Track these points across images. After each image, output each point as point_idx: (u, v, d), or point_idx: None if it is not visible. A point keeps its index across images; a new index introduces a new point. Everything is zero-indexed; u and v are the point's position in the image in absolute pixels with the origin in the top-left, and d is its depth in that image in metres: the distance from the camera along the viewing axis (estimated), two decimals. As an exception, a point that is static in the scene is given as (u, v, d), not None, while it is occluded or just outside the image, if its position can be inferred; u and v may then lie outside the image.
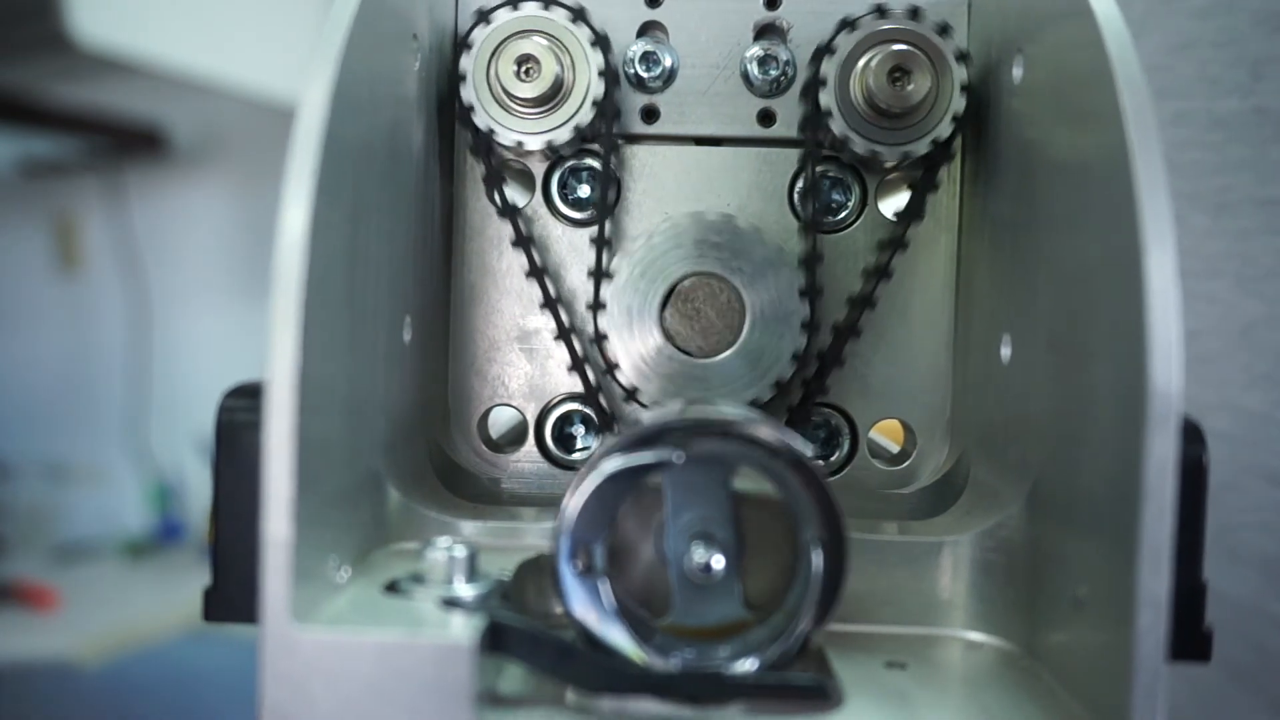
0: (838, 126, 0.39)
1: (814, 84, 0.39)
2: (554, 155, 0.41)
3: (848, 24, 0.39)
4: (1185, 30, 0.60)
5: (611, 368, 0.40)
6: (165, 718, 1.42)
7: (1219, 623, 0.32)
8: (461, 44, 0.39)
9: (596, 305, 0.41)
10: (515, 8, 0.39)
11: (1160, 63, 0.60)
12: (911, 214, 0.41)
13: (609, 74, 0.40)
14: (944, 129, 0.39)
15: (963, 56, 0.39)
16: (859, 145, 0.39)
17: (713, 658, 0.30)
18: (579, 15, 0.39)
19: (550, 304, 0.42)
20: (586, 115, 0.40)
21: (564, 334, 0.42)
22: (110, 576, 1.90)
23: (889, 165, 0.40)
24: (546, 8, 0.39)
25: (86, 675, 1.49)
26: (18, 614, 1.66)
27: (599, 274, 0.41)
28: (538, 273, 0.41)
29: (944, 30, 0.39)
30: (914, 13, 0.39)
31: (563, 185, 0.43)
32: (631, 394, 0.41)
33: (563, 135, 0.40)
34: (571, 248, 0.43)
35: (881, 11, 0.39)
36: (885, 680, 0.31)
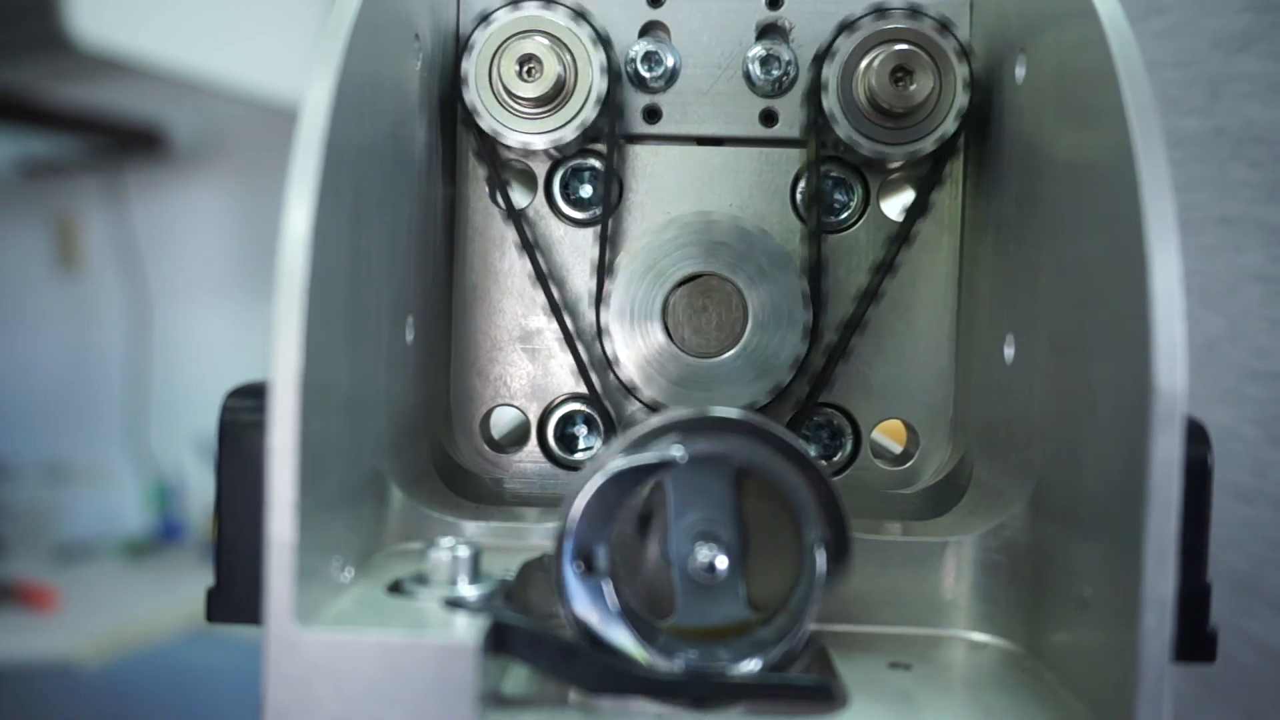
0: (843, 131, 0.39)
1: (816, 90, 0.39)
2: (560, 155, 0.41)
3: (846, 26, 0.39)
4: (1145, 51, 0.60)
5: (611, 363, 0.40)
6: (165, 718, 1.42)
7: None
8: (463, 48, 0.39)
9: (599, 299, 0.41)
10: (517, 7, 0.39)
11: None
12: (918, 209, 0.41)
13: (603, 40, 0.39)
14: (949, 125, 0.39)
15: (964, 53, 0.38)
16: (866, 148, 0.39)
17: (716, 658, 0.30)
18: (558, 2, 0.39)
19: (555, 310, 0.41)
20: (591, 112, 0.40)
21: (569, 340, 0.42)
22: (110, 576, 1.90)
23: (895, 165, 0.40)
24: (546, 6, 0.39)
25: (86, 675, 1.48)
26: (18, 614, 1.66)
27: (601, 268, 0.41)
28: (543, 279, 0.41)
29: (944, 28, 0.38)
30: (912, 11, 0.39)
31: (565, 185, 0.43)
32: (630, 390, 0.41)
33: (569, 133, 0.40)
34: (574, 248, 0.43)
35: (880, 11, 0.39)
36: (889, 681, 0.31)
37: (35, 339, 2.19)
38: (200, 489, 2.02)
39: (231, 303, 2.07)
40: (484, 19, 0.39)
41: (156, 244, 2.10)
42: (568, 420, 0.43)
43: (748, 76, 0.42)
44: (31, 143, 2.00)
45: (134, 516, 2.06)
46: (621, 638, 0.29)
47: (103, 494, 2.10)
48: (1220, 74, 0.57)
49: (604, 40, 0.39)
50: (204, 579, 0.33)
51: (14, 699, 1.43)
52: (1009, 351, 0.37)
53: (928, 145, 0.39)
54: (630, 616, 0.30)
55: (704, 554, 0.30)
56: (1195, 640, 0.31)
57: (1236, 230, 0.57)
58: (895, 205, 0.43)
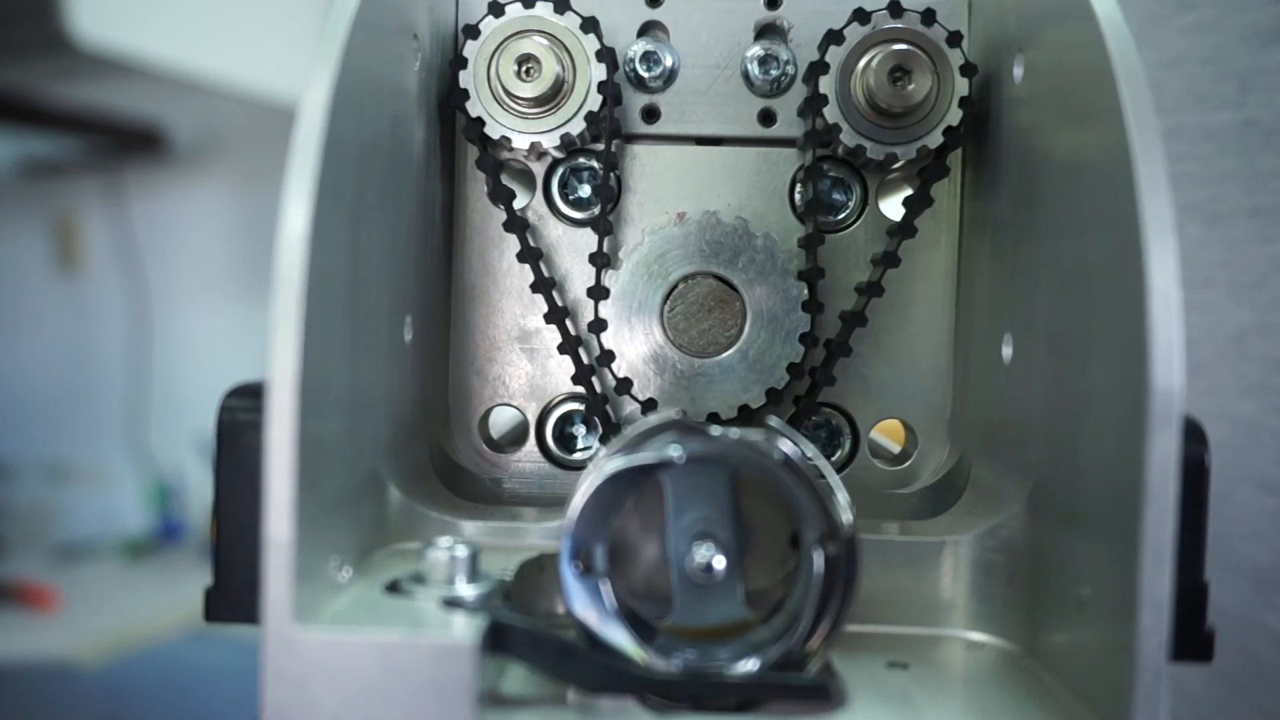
0: (849, 138, 0.39)
1: (813, 100, 0.39)
2: (564, 153, 0.41)
3: (834, 37, 0.39)
4: (1175, 46, 0.60)
5: (608, 358, 0.40)
6: (165, 718, 1.42)
7: (1210, 632, 0.32)
8: (458, 61, 0.39)
9: (598, 291, 0.41)
10: (505, 11, 0.39)
11: (1151, 78, 0.60)
12: (920, 202, 0.41)
13: (606, 55, 0.39)
14: (953, 115, 0.39)
15: (956, 40, 0.38)
16: (873, 151, 0.39)
17: (714, 658, 0.30)
18: (564, 5, 0.39)
19: (555, 313, 0.41)
20: (594, 100, 0.39)
21: (569, 342, 0.41)
22: (110, 576, 1.89)
23: (900, 164, 0.40)
24: (529, 6, 0.39)
25: (86, 675, 1.48)
26: (18, 614, 1.66)
27: (600, 260, 0.41)
28: (545, 285, 0.41)
29: (929, 19, 0.38)
30: (896, 10, 0.38)
31: (563, 185, 0.43)
32: (625, 386, 0.40)
33: (575, 126, 0.40)
34: (572, 248, 0.43)
35: (864, 15, 0.39)
36: (887, 680, 0.31)
37: (35, 339, 2.19)
38: (200, 489, 2.02)
39: (231, 303, 2.07)
40: (471, 32, 0.39)
41: (156, 244, 2.10)
42: (566, 420, 0.43)
43: (746, 76, 0.42)
44: (31, 143, 2.00)
45: (134, 516, 2.06)
46: (619, 637, 0.29)
47: (103, 494, 2.10)
48: (1250, 68, 0.57)
49: (592, 24, 0.39)
50: (204, 579, 0.33)
51: (14, 699, 1.43)
52: (1007, 351, 0.37)
53: (934, 139, 0.39)
54: (628, 616, 0.30)
55: (702, 554, 0.30)
56: (1192, 639, 0.31)
57: (1267, 221, 0.57)
58: (894, 205, 0.42)
